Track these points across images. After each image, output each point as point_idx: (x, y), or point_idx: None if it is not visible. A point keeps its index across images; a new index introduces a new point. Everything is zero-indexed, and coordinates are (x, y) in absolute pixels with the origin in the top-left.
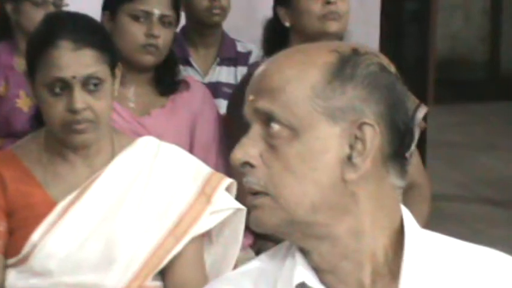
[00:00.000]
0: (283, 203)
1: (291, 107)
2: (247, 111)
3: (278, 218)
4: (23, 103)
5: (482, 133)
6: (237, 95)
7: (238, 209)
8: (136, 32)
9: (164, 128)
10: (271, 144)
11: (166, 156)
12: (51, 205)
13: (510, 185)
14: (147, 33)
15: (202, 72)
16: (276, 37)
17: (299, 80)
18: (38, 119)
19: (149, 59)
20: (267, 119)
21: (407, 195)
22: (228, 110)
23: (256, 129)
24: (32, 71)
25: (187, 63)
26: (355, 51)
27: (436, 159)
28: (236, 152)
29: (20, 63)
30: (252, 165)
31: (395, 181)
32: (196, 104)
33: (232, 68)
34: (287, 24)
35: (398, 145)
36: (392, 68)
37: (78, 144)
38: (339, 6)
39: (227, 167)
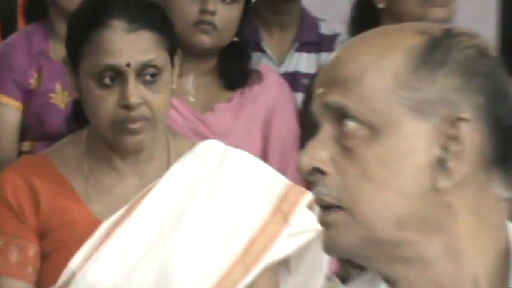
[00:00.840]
0: (360, 217)
1: (369, 101)
2: (315, 107)
3: (355, 236)
4: (59, 98)
5: None
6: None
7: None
8: (188, 7)
9: (230, 128)
10: (345, 146)
11: (235, 164)
12: (93, 224)
13: None
14: (201, 9)
15: (277, 59)
16: (366, 19)
17: (379, 67)
18: (76, 118)
19: (204, 40)
20: (340, 115)
21: None
22: (303, 107)
23: (326, 129)
24: (74, 58)
25: (259, 48)
26: (448, 32)
27: None
28: (303, 157)
29: (56, 49)
30: (322, 172)
31: (500, 191)
32: (270, 99)
33: (313, 55)
34: (380, 5)
35: (501, 146)
36: (493, 52)
37: (131, 147)
38: None
39: None
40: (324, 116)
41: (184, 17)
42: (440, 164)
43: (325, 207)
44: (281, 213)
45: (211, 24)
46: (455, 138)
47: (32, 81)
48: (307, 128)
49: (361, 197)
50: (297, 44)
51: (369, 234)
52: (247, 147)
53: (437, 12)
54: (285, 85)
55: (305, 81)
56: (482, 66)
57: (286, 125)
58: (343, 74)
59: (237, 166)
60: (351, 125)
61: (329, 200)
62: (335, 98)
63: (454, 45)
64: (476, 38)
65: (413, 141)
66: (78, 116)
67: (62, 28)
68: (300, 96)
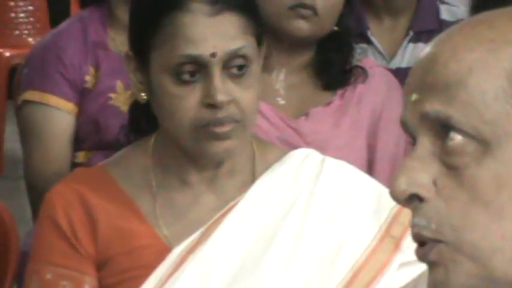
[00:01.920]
0: (472, 252)
1: (478, 109)
2: (408, 117)
3: (468, 274)
4: (121, 99)
5: None
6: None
7: None
8: None
9: (328, 137)
10: (449, 165)
11: (335, 177)
12: (163, 251)
13: None
14: None
15: (388, 52)
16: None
17: (487, 67)
18: (136, 126)
19: (302, 27)
20: (442, 127)
21: None
22: None
23: (425, 144)
24: (143, 49)
25: (365, 39)
26: None
27: None
28: (400, 181)
29: (116, 39)
30: (421, 199)
31: None
32: (377, 101)
33: None
34: None
35: None
36: None
37: (218, 156)
38: None
39: None
40: (421, 128)
41: (276, 0)
42: None
43: (424, 243)
44: (391, 238)
45: (312, 8)
46: None
47: (88, 78)
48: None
49: (470, 227)
50: (411, 34)
51: (485, 271)
52: (349, 161)
53: None
54: (394, 85)
55: None
56: None
57: (396, 134)
58: (442, 76)
59: (338, 180)
60: (457, 139)
61: (427, 234)
62: (435, 107)
63: None
64: None
65: None
66: (139, 123)
67: (124, 14)
68: None
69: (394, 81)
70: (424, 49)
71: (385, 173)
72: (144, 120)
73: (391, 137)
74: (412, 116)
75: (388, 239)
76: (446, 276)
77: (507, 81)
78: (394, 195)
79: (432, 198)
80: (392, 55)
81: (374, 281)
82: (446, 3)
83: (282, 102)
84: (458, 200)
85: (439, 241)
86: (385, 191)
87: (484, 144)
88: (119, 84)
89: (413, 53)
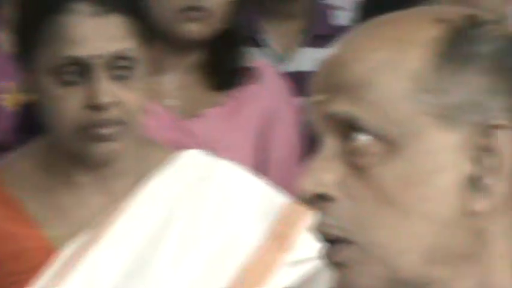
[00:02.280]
0: (379, 252)
1: (384, 109)
2: (315, 117)
3: (375, 277)
4: (12, 101)
5: None
6: None
7: None
8: None
9: (221, 137)
10: (355, 165)
11: (223, 179)
12: (49, 253)
13: None
14: None
15: (282, 55)
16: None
17: (393, 67)
18: (27, 127)
19: (193, 30)
20: (348, 128)
21: None
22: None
23: (331, 144)
24: (26, 50)
25: (259, 42)
26: (471, 20)
27: None
28: (306, 181)
29: (7, 39)
30: (328, 199)
31: None
32: (268, 103)
33: (325, 50)
34: None
35: None
36: None
37: (101, 157)
38: None
39: None
40: (327, 129)
41: (167, 2)
42: (474, 182)
43: (332, 242)
44: (279, 238)
45: (201, 10)
46: (489, 150)
47: None
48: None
49: (378, 227)
50: (305, 37)
51: (391, 272)
52: (240, 162)
53: None
54: (286, 87)
55: None
56: None
57: (288, 136)
58: (349, 77)
59: (227, 181)
60: (362, 139)
61: (336, 232)
62: (341, 107)
63: (481, 36)
64: (501, 26)
65: (441, 156)
66: (30, 123)
67: (13, 12)
68: (303, 101)
69: (284, 84)
70: (328, 51)
71: (276, 174)
72: (35, 120)
73: (283, 138)
74: (318, 116)
75: (276, 239)
76: (354, 278)
77: (413, 82)
78: (302, 195)
79: (340, 198)
80: (286, 58)
81: (262, 281)
82: (341, 8)
83: (174, 103)
84: (366, 200)
85: (348, 241)
86: (272, 192)
87: (391, 144)
88: (11, 86)
89: (306, 57)
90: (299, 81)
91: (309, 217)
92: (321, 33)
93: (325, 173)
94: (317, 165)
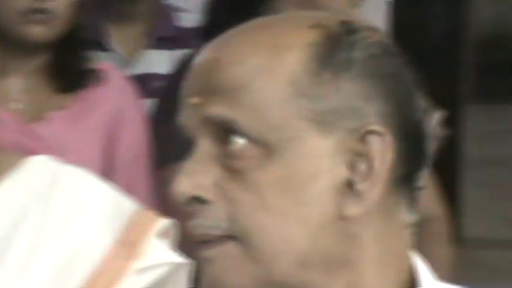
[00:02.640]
0: (254, 254)
1: (262, 113)
2: (188, 120)
3: (248, 276)
4: None
5: None
6: (170, 90)
7: (179, 265)
8: None
9: (67, 140)
10: (232, 168)
11: (70, 185)
12: None
13: None
14: None
15: (127, 58)
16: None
17: (270, 71)
18: None
19: (36, 33)
20: (225, 131)
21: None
22: (157, 114)
23: (206, 147)
24: None
25: (104, 45)
26: (346, 26)
27: (472, 185)
28: (180, 184)
29: None
30: (204, 201)
31: (405, 216)
32: (115, 105)
33: (171, 52)
34: None
35: (409, 162)
36: (396, 49)
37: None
38: None
39: (163, 199)
40: (202, 131)
41: (9, 4)
42: (349, 187)
43: (209, 241)
44: (127, 244)
45: (45, 12)
46: (364, 155)
47: None
48: (164, 142)
49: (254, 230)
50: (150, 40)
51: (264, 273)
52: (87, 165)
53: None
54: (131, 89)
55: (158, 84)
56: (388, 66)
57: (134, 138)
58: (226, 80)
59: (74, 187)
60: (239, 143)
61: (212, 232)
62: (219, 110)
63: (356, 42)
64: (377, 32)
65: (317, 161)
66: None
67: None
68: (151, 102)
69: (129, 86)
70: (203, 52)
71: (123, 178)
72: None
73: (130, 141)
74: (192, 119)
75: (125, 246)
76: (225, 276)
77: (290, 87)
78: (176, 198)
79: (216, 200)
80: (131, 61)
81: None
82: (186, 10)
83: (18, 106)
84: (243, 203)
85: (224, 239)
86: (121, 198)
87: (267, 148)
88: None
89: (152, 59)
90: (145, 84)
91: (158, 223)
92: (166, 35)
93: (201, 175)
94: (192, 168)
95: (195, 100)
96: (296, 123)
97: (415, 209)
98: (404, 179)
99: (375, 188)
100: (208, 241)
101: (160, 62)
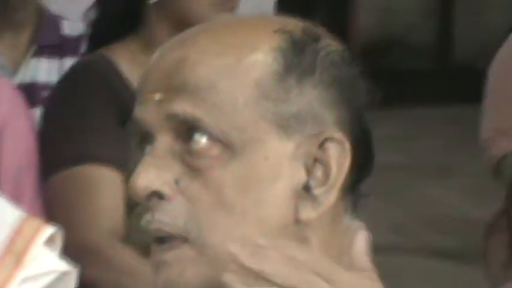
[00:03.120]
0: (211, 254)
1: (226, 113)
2: (148, 115)
3: (204, 277)
4: None
5: (431, 151)
6: (58, 97)
7: (66, 273)
8: None
9: None
10: (193, 165)
11: None
12: None
13: (470, 227)
14: None
15: (10, 67)
16: (117, 16)
17: (237, 73)
18: None
19: None
20: (187, 129)
21: None
22: (45, 119)
23: (166, 143)
24: None
25: None
26: (309, 33)
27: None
28: (140, 178)
29: None
30: (163, 197)
31: (349, 222)
32: (0, 113)
33: (55, 61)
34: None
35: (360, 170)
36: (353, 58)
37: None
38: None
39: (48, 206)
40: (163, 128)
41: None
42: (306, 192)
43: (162, 240)
44: (13, 253)
45: None
46: (322, 161)
47: None
48: (48, 150)
49: (213, 229)
50: (34, 48)
51: (219, 275)
52: None
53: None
54: (18, 98)
55: (45, 93)
56: (347, 75)
57: (21, 146)
58: (192, 78)
59: None
60: (202, 141)
61: (169, 229)
62: (184, 107)
63: (319, 49)
64: (335, 41)
65: (277, 164)
66: None
67: None
68: (38, 112)
69: (16, 94)
70: (165, 48)
71: (9, 188)
72: None
73: (16, 149)
74: (153, 115)
75: (10, 255)
76: (182, 279)
77: (256, 89)
78: (135, 193)
79: (176, 197)
80: (15, 70)
81: None
82: (69, 19)
83: None
84: (203, 201)
85: (180, 239)
86: (5, 205)
87: (230, 149)
88: None
89: (36, 68)
90: (31, 92)
91: (45, 232)
92: (51, 44)
93: (161, 170)
94: (152, 163)
95: (158, 96)
96: (259, 125)
97: (357, 215)
98: (353, 186)
99: (330, 194)
100: (161, 238)
101: (45, 70)
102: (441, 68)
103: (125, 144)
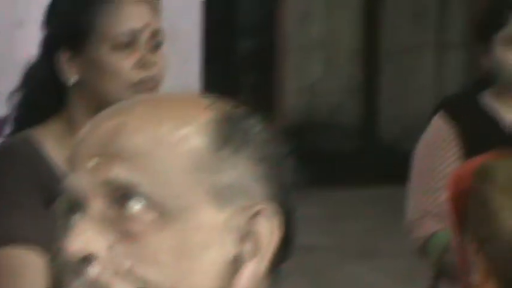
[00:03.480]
0: None
1: (163, 180)
2: (80, 181)
3: None
4: None
5: (356, 232)
6: None
7: None
8: None
9: None
10: (128, 231)
11: None
12: None
13: None
14: None
15: None
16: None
17: (176, 142)
18: None
19: None
20: (123, 194)
21: None
22: None
23: (99, 209)
24: None
25: None
26: (239, 110)
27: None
28: (73, 242)
29: None
30: (95, 261)
31: None
32: None
33: None
34: (72, 79)
35: (284, 247)
36: (281, 138)
37: None
38: (156, 70)
39: None
40: (96, 194)
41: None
42: (237, 263)
43: None
44: None
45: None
46: (253, 234)
47: None
48: None
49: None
50: None
51: None
52: None
53: None
54: None
55: None
56: (275, 152)
57: None
58: (130, 145)
59: None
60: (138, 207)
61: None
62: (121, 173)
63: (250, 126)
64: (263, 120)
65: (209, 233)
66: None
67: None
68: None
69: None
70: (101, 116)
71: None
72: None
73: None
74: (88, 181)
75: None
76: None
77: (191, 159)
78: (68, 258)
79: (109, 262)
80: None
81: None
82: None
83: None
84: (138, 266)
85: None
86: None
87: (165, 216)
88: None
89: None
90: None
91: None
92: None
93: (93, 236)
94: (84, 228)
95: (93, 162)
96: (194, 194)
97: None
98: (277, 264)
99: (259, 266)
100: None
101: None
102: (366, 149)
103: (49, 225)
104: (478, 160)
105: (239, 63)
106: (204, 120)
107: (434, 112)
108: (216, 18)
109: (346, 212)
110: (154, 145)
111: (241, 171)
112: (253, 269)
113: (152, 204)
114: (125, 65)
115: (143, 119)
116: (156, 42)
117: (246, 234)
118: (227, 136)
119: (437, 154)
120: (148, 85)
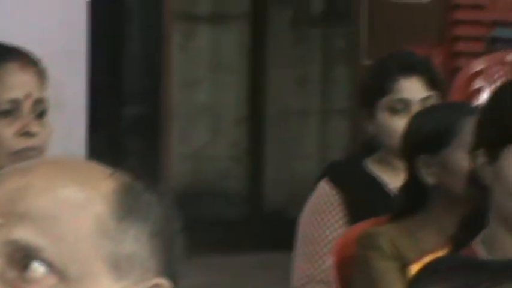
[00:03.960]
0: None
1: (68, 245)
2: None
3: None
4: None
5: None
6: None
7: None
8: None
9: None
10: None
11: None
12: None
13: None
14: None
15: None
16: None
17: (80, 206)
18: None
19: None
20: (24, 256)
21: None
22: None
23: None
24: None
25: None
26: (138, 182)
27: None
28: None
29: None
30: None
31: None
32: None
33: None
34: None
35: None
36: (176, 214)
37: None
38: (40, 139)
39: None
40: None
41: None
42: None
43: None
44: None
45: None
46: None
47: None
48: None
49: None
50: None
51: None
52: None
53: None
54: None
55: None
56: (172, 225)
57: None
58: (35, 207)
59: None
60: (40, 270)
61: None
62: (25, 235)
63: (151, 200)
64: (166, 195)
65: None
66: None
67: None
68: None
69: None
70: (3, 175)
71: None
72: None
73: None
74: None
75: None
76: None
77: (96, 226)
78: None
79: None
80: None
81: None
82: None
83: None
84: None
85: None
86: None
87: (65, 280)
88: None
89: None
90: None
91: None
92: None
93: None
94: None
95: None
96: (95, 261)
97: None
98: None
99: None
100: None
101: None
102: (252, 216)
103: None
104: (362, 226)
105: (125, 130)
106: (108, 188)
107: (319, 178)
108: (102, 85)
109: (232, 279)
110: (61, 208)
111: (141, 244)
112: None
113: (54, 269)
114: (7, 133)
115: (49, 180)
116: (40, 110)
117: None
118: (130, 207)
119: (322, 220)
120: (31, 153)
